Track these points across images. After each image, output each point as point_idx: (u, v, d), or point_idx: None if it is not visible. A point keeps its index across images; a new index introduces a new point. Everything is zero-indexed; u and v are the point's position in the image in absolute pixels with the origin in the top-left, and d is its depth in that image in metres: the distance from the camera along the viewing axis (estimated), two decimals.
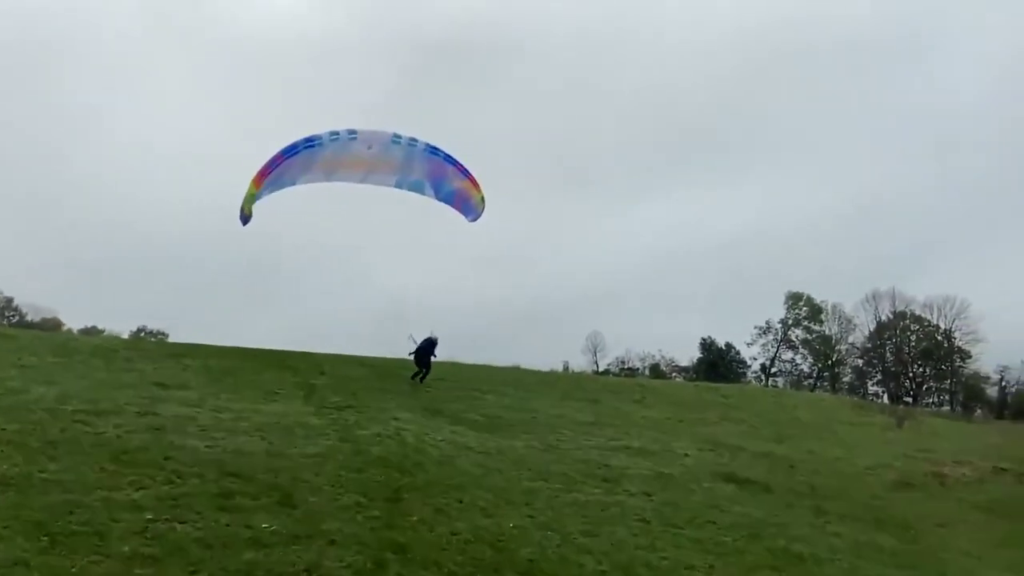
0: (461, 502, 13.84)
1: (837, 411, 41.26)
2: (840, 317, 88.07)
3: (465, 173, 18.33)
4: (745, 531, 15.18)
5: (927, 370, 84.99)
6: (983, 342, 78.97)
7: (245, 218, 16.66)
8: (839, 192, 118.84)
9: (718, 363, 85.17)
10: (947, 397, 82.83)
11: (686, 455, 22.30)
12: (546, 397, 29.41)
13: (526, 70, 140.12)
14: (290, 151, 16.63)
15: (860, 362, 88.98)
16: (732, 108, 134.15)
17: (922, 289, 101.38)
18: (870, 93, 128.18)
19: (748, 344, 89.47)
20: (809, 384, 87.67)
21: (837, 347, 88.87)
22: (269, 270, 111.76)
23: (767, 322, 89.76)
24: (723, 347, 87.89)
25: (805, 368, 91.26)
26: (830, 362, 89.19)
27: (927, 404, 77.32)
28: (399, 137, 17.63)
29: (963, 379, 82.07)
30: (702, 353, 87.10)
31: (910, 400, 75.54)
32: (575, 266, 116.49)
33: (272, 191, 17.21)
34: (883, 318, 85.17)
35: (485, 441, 19.78)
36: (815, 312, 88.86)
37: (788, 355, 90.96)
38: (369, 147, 17.40)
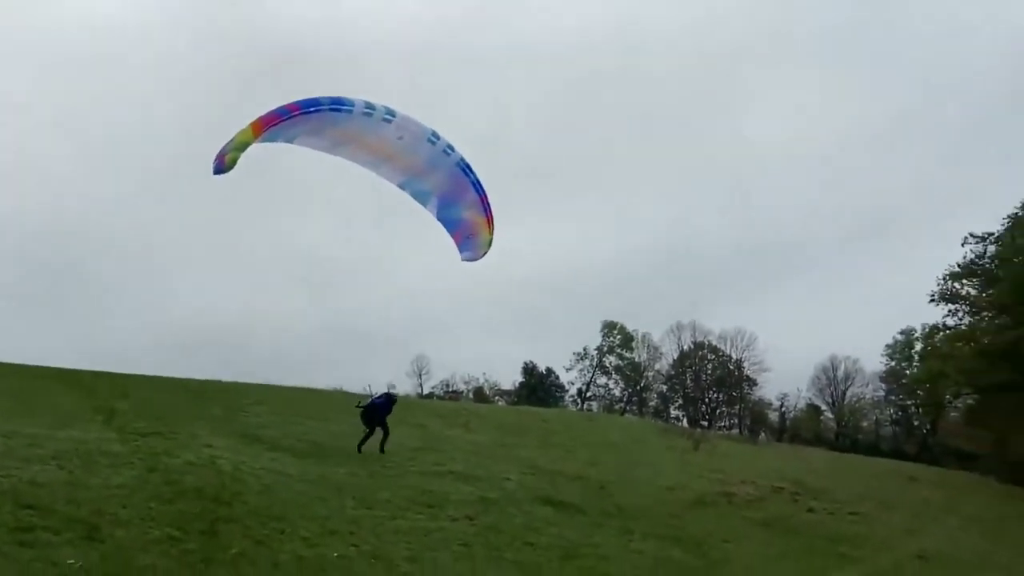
0: (283, 533, 13.51)
1: (644, 434, 44.42)
2: (649, 345, 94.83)
3: (485, 208, 15.79)
4: (560, 552, 16.06)
5: (720, 396, 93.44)
6: (768, 371, 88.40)
7: (222, 168, 13.38)
8: (652, 228, 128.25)
9: (538, 387, 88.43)
10: (736, 421, 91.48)
11: (508, 479, 23.09)
12: None
13: (360, 85, 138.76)
14: (310, 105, 13.98)
15: (665, 388, 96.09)
16: (561, 144, 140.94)
17: (719, 321, 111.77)
18: (682, 138, 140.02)
19: (567, 369, 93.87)
20: (620, 408, 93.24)
21: (645, 373, 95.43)
22: (63, 278, 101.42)
23: (584, 348, 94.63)
24: (544, 372, 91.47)
25: (617, 393, 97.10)
26: (639, 387, 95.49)
27: (720, 428, 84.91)
28: (436, 137, 15.14)
29: (750, 405, 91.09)
30: (524, 377, 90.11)
31: (706, 424, 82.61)
32: (404, 289, 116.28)
33: (264, 142, 14.06)
34: (685, 347, 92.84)
35: (307, 468, 19.35)
36: (627, 340, 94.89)
37: (602, 380, 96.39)
38: (400, 137, 14.84)
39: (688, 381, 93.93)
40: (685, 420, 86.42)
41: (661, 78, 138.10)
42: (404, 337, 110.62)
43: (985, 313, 52.70)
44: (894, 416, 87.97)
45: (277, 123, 13.67)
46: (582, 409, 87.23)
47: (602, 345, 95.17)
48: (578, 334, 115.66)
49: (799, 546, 22.14)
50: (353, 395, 36.43)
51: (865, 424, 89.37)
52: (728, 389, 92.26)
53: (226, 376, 36.86)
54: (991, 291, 50.56)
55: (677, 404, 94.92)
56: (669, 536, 19.85)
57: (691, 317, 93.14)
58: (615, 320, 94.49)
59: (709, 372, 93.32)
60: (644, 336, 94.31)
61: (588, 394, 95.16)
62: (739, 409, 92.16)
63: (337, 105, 14.10)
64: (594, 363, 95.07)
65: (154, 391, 26.99)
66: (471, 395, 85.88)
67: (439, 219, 15.96)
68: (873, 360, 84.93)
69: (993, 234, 51.04)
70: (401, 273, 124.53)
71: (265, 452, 20.48)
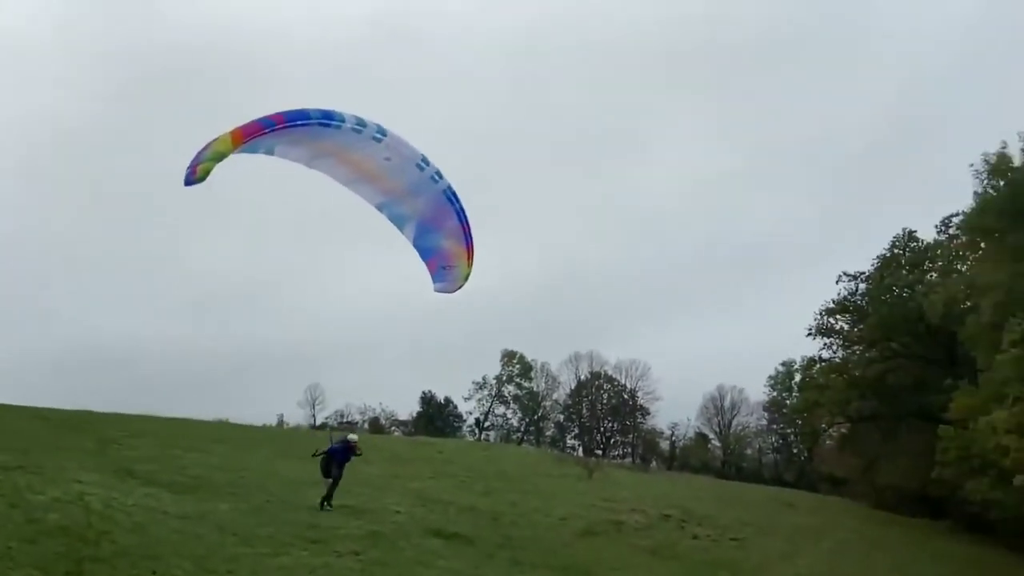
0: (154, 573, 12.77)
1: (539, 464, 44.76)
2: (547, 375, 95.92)
3: (467, 238, 15.04)
4: None
5: (615, 425, 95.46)
6: (660, 400, 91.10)
7: (194, 179, 12.37)
8: (555, 259, 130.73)
9: (436, 417, 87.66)
10: (630, 450, 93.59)
11: (398, 511, 22.74)
12: (258, 455, 28.12)
13: (261, 98, 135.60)
14: (297, 118, 13.13)
15: (561, 417, 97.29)
16: (466, 172, 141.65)
17: (616, 352, 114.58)
18: (585, 169, 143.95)
19: (465, 399, 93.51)
20: (517, 438, 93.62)
21: (543, 403, 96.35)
22: None
23: (484, 377, 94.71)
24: (442, 401, 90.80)
25: (515, 422, 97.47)
26: (536, 417, 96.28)
27: (614, 456, 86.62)
28: (426, 163, 14.47)
29: (643, 434, 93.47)
30: (422, 407, 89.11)
31: (601, 453, 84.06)
32: (300, 315, 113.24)
33: (242, 153, 13.10)
34: (582, 377, 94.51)
35: (184, 505, 18.41)
36: (526, 369, 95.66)
37: (501, 410, 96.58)
38: (387, 158, 14.17)
39: (584, 410, 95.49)
40: (581, 449, 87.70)
41: (568, 109, 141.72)
42: (298, 365, 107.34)
43: (856, 347, 56.51)
44: (775, 444, 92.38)
45: (260, 134, 12.95)
46: (480, 439, 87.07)
47: (501, 374, 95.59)
48: (478, 363, 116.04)
49: (682, 572, 22.89)
50: (238, 426, 35.09)
51: (749, 452, 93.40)
52: (622, 418, 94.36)
53: (100, 406, 34.63)
54: (862, 326, 54.28)
55: (573, 433, 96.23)
56: (558, 566, 20.06)
57: (589, 347, 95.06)
58: (515, 349, 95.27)
59: (604, 401, 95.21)
60: (543, 365, 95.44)
61: (486, 424, 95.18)
62: (632, 438, 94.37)
63: (326, 120, 13.47)
64: (493, 392, 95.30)
65: (19, 421, 25.06)
66: (366, 426, 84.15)
67: (415, 246, 15.18)
68: (757, 390, 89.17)
69: (864, 273, 55.01)
70: (297, 298, 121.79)
71: (139, 487, 19.36)
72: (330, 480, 21.13)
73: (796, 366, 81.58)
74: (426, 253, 15.16)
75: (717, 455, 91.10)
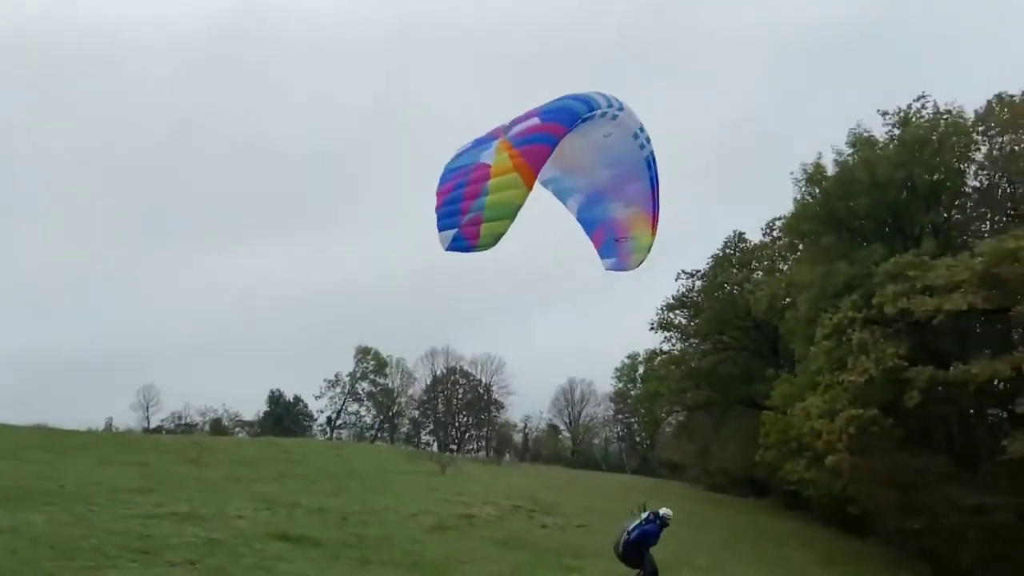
0: None
1: (392, 461, 44.29)
2: (403, 371, 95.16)
3: (654, 204, 12.10)
4: None
5: (470, 420, 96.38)
6: (514, 395, 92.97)
7: (474, 246, 9.48)
8: (412, 254, 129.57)
9: (285, 417, 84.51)
10: (484, 444, 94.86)
11: (240, 516, 21.68)
12: (81, 461, 25.86)
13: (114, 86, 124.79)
14: (569, 117, 10.07)
15: (417, 413, 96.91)
16: (316, 165, 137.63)
17: (471, 347, 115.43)
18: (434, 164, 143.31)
19: (316, 397, 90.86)
20: (371, 435, 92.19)
21: (398, 399, 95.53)
22: None
23: (336, 375, 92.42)
24: (291, 400, 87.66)
25: (368, 420, 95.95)
26: (391, 414, 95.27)
27: (468, 451, 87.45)
28: (641, 131, 11.66)
29: (497, 428, 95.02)
30: (269, 406, 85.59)
31: (455, 447, 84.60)
32: (133, 312, 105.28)
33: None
34: (438, 373, 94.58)
35: None
36: (381, 366, 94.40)
37: (354, 407, 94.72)
38: (608, 134, 11.40)
39: (440, 406, 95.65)
40: (436, 445, 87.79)
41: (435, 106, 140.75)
42: (130, 365, 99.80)
43: (692, 340, 60.40)
44: (620, 433, 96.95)
45: (546, 156, 9.92)
46: (331, 438, 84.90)
47: (355, 371, 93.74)
48: (330, 361, 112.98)
49: (530, 560, 23.40)
50: (58, 431, 32.29)
51: (596, 441, 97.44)
52: (477, 413, 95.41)
53: None
54: (697, 321, 58.08)
55: (428, 429, 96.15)
56: (407, 563, 19.93)
57: (445, 343, 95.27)
58: (370, 346, 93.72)
59: (460, 397, 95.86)
60: (399, 361, 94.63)
61: (338, 422, 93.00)
62: (487, 432, 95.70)
63: (590, 112, 10.53)
64: (346, 390, 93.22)
65: None
66: (207, 427, 79.64)
67: (579, 219, 12.51)
68: (605, 382, 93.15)
69: (700, 271, 58.86)
70: (132, 295, 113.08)
71: None
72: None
73: (640, 359, 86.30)
74: (590, 225, 12.39)
75: (567, 445, 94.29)
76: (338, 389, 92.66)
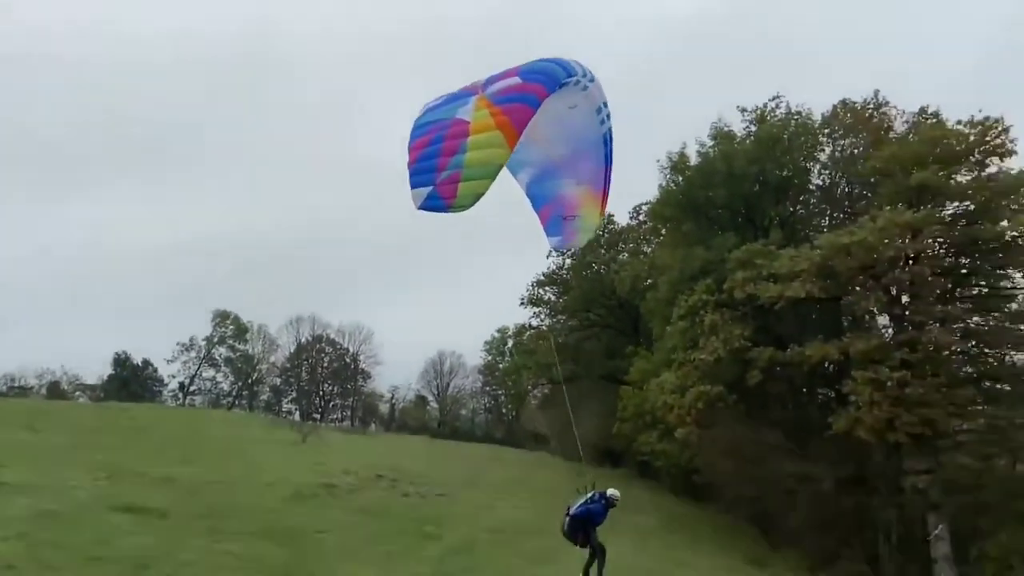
0: None
1: (249, 429, 42.86)
2: (265, 337, 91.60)
3: (606, 182, 11.68)
4: (133, 564, 14.71)
5: (335, 389, 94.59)
6: (382, 365, 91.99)
7: (450, 206, 8.85)
8: (279, 216, 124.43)
9: (132, 381, 79.54)
10: (349, 413, 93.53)
11: (78, 487, 20.39)
12: None
13: None
14: (550, 80, 9.63)
15: (278, 381, 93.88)
16: (181, 119, 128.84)
17: (338, 316, 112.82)
18: (322, 129, 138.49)
19: (168, 361, 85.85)
20: (228, 403, 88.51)
21: (259, 366, 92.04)
22: None
23: (191, 339, 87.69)
24: (139, 364, 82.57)
25: (226, 387, 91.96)
26: (250, 381, 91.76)
27: (332, 420, 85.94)
28: (605, 106, 11.29)
29: (363, 397, 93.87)
30: (114, 369, 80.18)
31: (319, 417, 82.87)
32: None
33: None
34: (303, 340, 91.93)
35: None
36: (241, 331, 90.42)
37: (210, 373, 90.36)
38: (573, 105, 10.93)
39: (304, 374, 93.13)
40: (298, 414, 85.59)
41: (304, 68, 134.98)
42: None
43: (560, 316, 62.16)
44: (487, 405, 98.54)
45: (529, 118, 9.45)
46: (184, 404, 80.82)
47: (212, 336, 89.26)
48: (183, 324, 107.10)
49: (391, 529, 23.54)
50: None
51: (464, 412, 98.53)
52: (343, 382, 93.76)
53: None
54: (566, 298, 59.78)
55: (291, 398, 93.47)
56: (261, 532, 19.53)
57: (311, 310, 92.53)
58: (229, 310, 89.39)
59: (325, 365, 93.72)
60: (260, 328, 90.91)
61: (192, 388, 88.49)
62: (352, 401, 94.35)
63: (568, 77, 10.24)
64: (201, 355, 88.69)
65: None
66: (44, 391, 73.59)
67: (528, 195, 12.18)
68: (475, 355, 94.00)
69: (571, 249, 60.44)
70: None
71: None
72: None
73: (510, 332, 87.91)
74: (539, 200, 12.06)
75: (435, 416, 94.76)
76: (193, 353, 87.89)
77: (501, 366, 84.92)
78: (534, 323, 62.62)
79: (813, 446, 36.01)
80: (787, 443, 36.03)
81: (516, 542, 24.31)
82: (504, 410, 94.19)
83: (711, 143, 43.82)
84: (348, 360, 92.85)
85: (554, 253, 60.09)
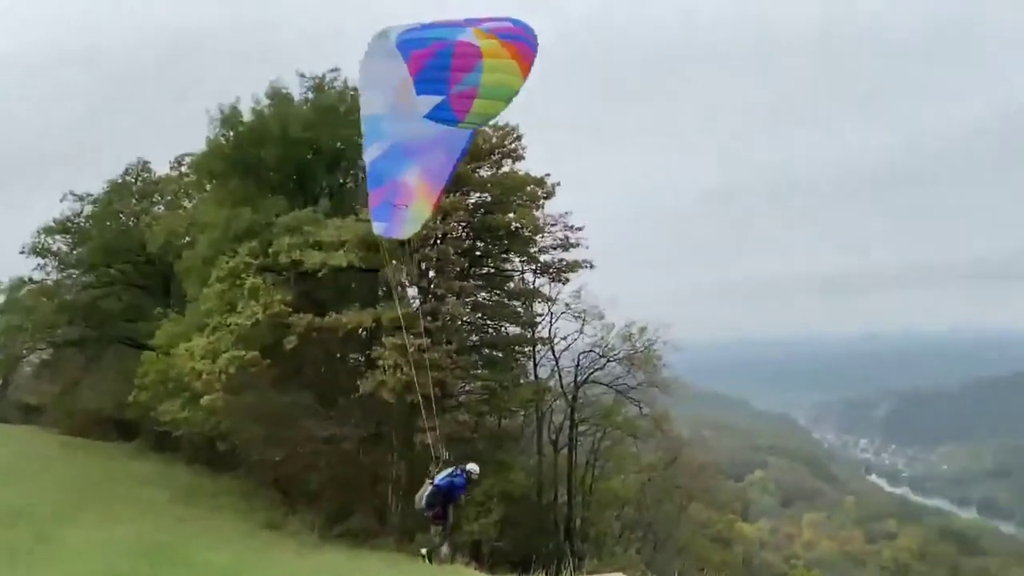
0: None
1: None
2: None
3: (446, 178, 10.91)
4: None
5: None
6: None
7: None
8: None
9: None
10: None
11: None
12: None
13: None
14: (533, 36, 9.14)
15: None
16: None
17: None
18: None
19: None
20: None
21: None
22: None
23: None
24: None
25: None
26: None
27: None
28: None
29: None
30: None
31: None
32: None
33: None
34: None
35: None
36: None
37: None
38: None
39: None
40: None
41: None
42: None
43: (72, 270, 53.54)
44: None
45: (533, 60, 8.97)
46: None
47: None
48: None
49: None
50: None
51: None
52: None
53: None
54: (80, 249, 51.74)
55: None
56: None
57: None
58: None
59: None
60: None
61: None
62: None
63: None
64: None
65: None
66: None
67: (370, 168, 11.44)
68: None
69: (92, 195, 52.39)
70: None
71: None
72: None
73: (3, 287, 72.53)
74: (376, 179, 11.33)
75: None
76: None
77: None
78: (36, 277, 52.68)
79: (340, 408, 37.72)
80: (318, 406, 37.02)
81: None
82: None
83: (268, 102, 42.46)
84: None
85: (70, 197, 51.73)
